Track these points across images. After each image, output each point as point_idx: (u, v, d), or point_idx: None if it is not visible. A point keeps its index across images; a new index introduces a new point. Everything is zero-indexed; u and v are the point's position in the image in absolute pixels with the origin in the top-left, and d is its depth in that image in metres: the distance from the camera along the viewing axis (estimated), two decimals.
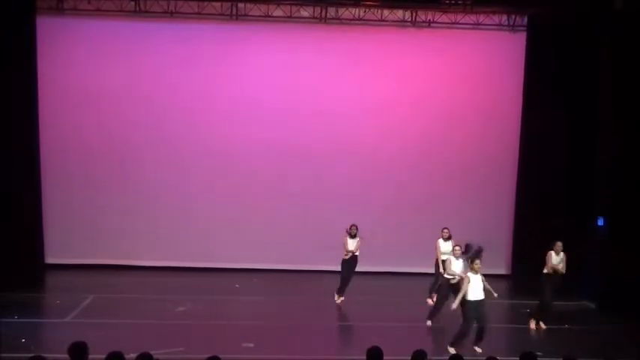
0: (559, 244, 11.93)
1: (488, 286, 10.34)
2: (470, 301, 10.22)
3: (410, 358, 6.46)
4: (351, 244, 13.14)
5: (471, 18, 15.44)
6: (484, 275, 10.42)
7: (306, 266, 15.37)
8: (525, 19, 15.53)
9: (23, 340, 10.26)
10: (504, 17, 15.62)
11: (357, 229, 13.12)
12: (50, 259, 15.11)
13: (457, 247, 11.62)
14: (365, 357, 6.40)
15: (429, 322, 11.93)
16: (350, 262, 13.19)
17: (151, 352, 6.36)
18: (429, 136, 15.75)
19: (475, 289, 10.20)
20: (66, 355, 6.11)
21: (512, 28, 15.68)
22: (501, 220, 15.83)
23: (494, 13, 15.41)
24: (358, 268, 13.38)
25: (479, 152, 15.80)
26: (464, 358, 9.93)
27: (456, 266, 11.48)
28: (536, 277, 12.07)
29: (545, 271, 11.95)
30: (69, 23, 15.22)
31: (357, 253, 13.18)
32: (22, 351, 9.32)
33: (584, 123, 14.73)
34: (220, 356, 6.18)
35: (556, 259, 11.90)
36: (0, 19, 13.79)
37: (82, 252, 15.00)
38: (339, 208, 15.26)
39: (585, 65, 14.58)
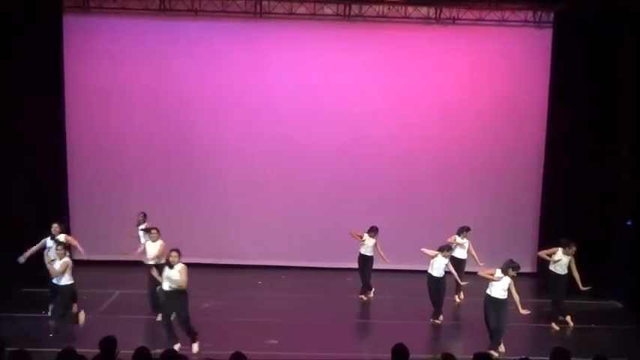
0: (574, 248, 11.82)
1: (514, 294, 10.32)
2: (490, 297, 10.37)
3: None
4: (367, 242, 13.30)
5: (496, 14, 15.32)
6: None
7: (330, 264, 15.34)
8: (551, 15, 15.35)
9: (51, 335, 10.40)
10: (530, 13, 15.47)
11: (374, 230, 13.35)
12: (77, 255, 15.20)
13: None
14: (389, 355, 6.39)
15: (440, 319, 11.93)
16: (361, 260, 13.41)
17: (176, 348, 6.42)
18: (454, 133, 15.63)
19: (499, 288, 10.32)
20: (94, 350, 6.18)
21: (538, 24, 15.51)
22: (527, 217, 15.67)
23: (519, 9, 15.28)
24: (385, 266, 13.43)
25: (505, 149, 15.66)
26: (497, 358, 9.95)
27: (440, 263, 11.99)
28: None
29: (556, 270, 11.88)
30: (95, 22, 15.34)
31: (368, 254, 13.31)
32: (50, 345, 9.40)
33: (610, 120, 14.55)
34: (244, 352, 6.21)
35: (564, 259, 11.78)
36: (27, 18, 13.97)
37: (110, 248, 15.09)
38: (364, 206, 15.25)
39: (612, 62, 14.39)
